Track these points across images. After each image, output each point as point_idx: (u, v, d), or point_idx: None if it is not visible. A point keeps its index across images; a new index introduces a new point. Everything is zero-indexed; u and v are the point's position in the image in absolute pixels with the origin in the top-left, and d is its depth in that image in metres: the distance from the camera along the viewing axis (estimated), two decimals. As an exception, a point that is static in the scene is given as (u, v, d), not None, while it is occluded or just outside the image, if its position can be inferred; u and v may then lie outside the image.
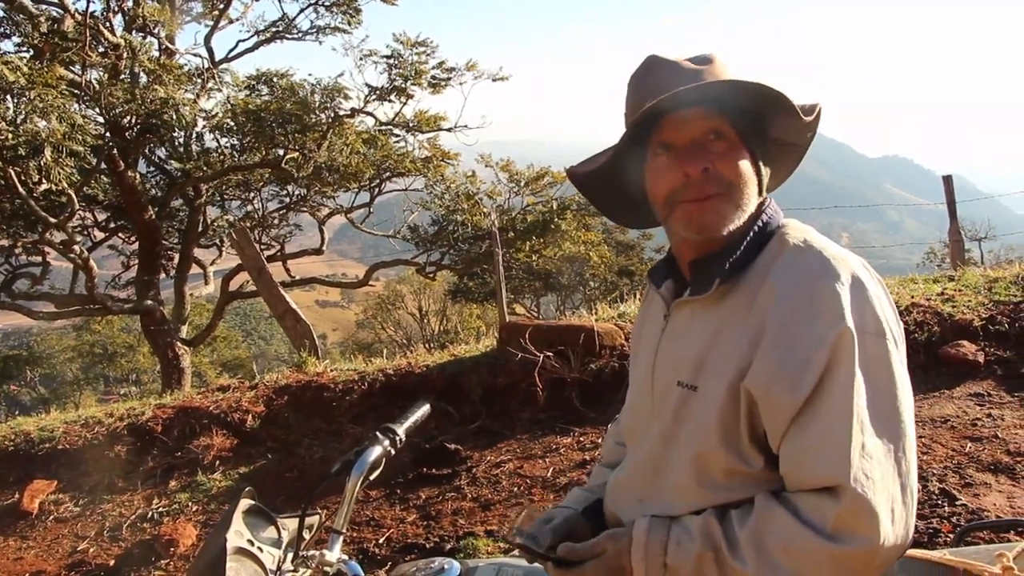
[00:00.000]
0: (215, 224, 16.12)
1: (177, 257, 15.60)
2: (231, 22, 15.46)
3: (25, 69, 9.82)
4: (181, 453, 6.81)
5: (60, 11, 12.25)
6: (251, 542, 1.58)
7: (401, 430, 1.91)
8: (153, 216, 14.02)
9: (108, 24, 12.18)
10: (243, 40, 15.76)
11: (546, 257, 17.88)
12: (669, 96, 1.39)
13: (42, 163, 9.50)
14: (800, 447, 1.31)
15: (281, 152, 14.03)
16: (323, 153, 13.91)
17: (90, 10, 11.50)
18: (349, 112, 14.81)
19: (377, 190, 16.82)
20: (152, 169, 15.44)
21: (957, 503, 3.95)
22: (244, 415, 7.10)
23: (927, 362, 5.84)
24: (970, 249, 12.88)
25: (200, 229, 15.62)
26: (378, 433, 1.85)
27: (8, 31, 12.58)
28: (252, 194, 16.67)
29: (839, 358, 1.29)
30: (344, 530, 1.70)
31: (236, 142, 15.07)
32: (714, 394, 1.40)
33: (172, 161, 14.69)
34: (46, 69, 10.03)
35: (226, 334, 28.52)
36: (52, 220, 11.33)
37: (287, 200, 16.92)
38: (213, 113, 14.44)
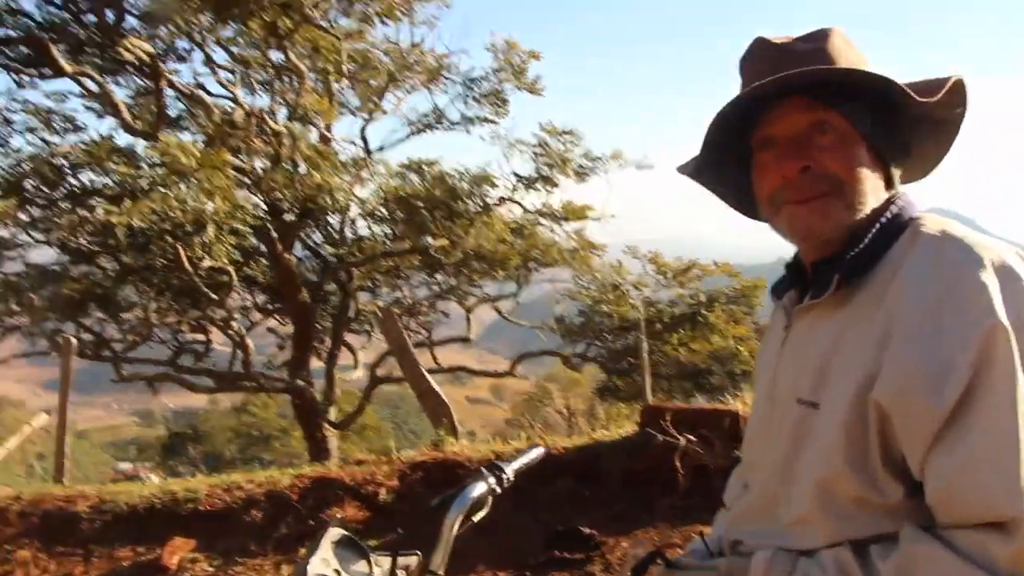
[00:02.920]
0: (365, 310, 16.62)
1: (329, 340, 16.12)
2: (385, 114, 16.23)
3: (196, 153, 10.57)
4: (314, 522, 6.84)
5: (232, 103, 13.21)
6: (337, 572, 1.45)
7: (510, 469, 1.74)
8: (307, 299, 14.57)
9: (272, 115, 13.00)
10: (396, 131, 16.49)
11: (694, 351, 17.41)
12: (750, 91, 1.25)
13: (205, 239, 10.06)
14: (950, 471, 1.05)
15: (430, 239, 14.41)
16: (470, 240, 14.19)
17: (257, 102, 12.33)
18: (497, 200, 15.12)
19: (524, 280, 16.96)
20: (308, 253, 16.13)
21: None
22: (378, 488, 7.08)
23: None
24: None
25: (351, 314, 16.13)
26: (484, 469, 1.70)
27: (187, 122, 13.70)
28: (401, 281, 17.13)
29: (992, 358, 1.04)
30: (442, 572, 1.54)
31: (388, 229, 15.61)
32: (838, 410, 1.17)
33: (327, 246, 15.35)
34: (214, 153, 10.74)
35: (377, 424, 29.09)
36: (213, 296, 11.96)
37: (436, 288, 17.30)
38: (366, 200, 15.05)
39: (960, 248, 1.15)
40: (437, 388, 9.76)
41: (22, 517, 6.71)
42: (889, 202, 1.29)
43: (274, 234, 13.40)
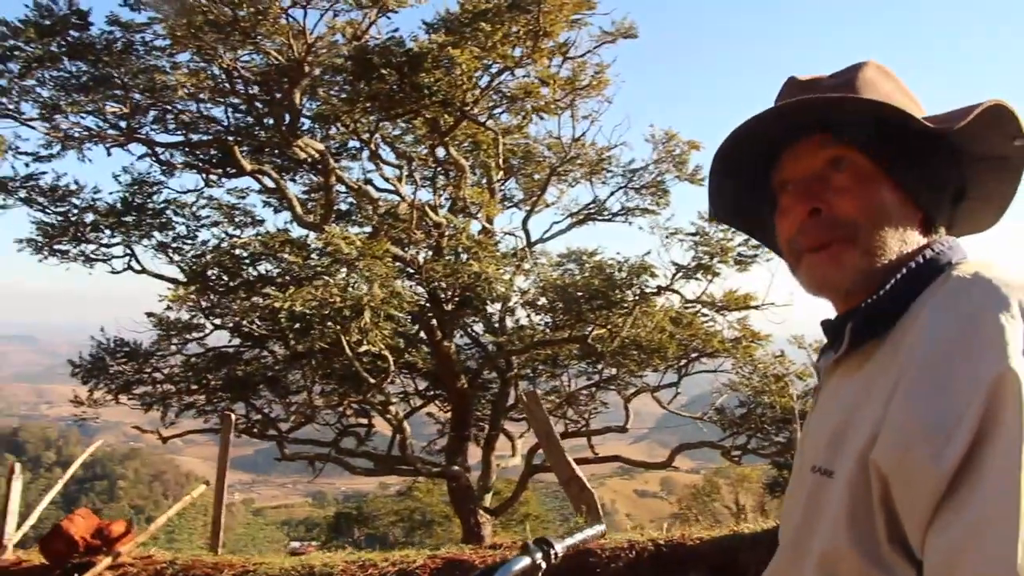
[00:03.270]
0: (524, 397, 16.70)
1: (487, 427, 16.28)
2: (547, 206, 16.59)
3: (358, 243, 11.13)
4: (441, 601, 6.83)
5: (397, 196, 13.88)
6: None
7: (560, 545, 1.66)
8: (466, 385, 14.82)
9: (435, 207, 13.55)
10: (557, 222, 16.77)
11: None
12: (743, 127, 1.16)
13: (362, 325, 10.48)
14: (951, 544, 0.88)
15: (589, 328, 14.40)
16: (628, 329, 14.07)
17: (419, 196, 12.91)
18: (655, 290, 14.98)
19: (684, 370, 16.60)
20: (469, 342, 16.47)
21: None
22: (509, 572, 7.03)
23: None
24: None
25: (510, 402, 16.25)
26: (531, 544, 1.63)
27: (356, 215, 14.52)
28: (560, 370, 17.15)
29: (1001, 410, 0.89)
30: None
31: (548, 319, 15.75)
32: (844, 477, 1.03)
33: (487, 335, 15.64)
34: (374, 243, 11.27)
35: (539, 513, 28.90)
36: (372, 380, 12.38)
37: (595, 378, 17.21)
38: (527, 290, 15.31)
39: (986, 288, 1.00)
40: (581, 475, 9.61)
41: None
42: (925, 247, 1.15)
43: (434, 322, 13.80)
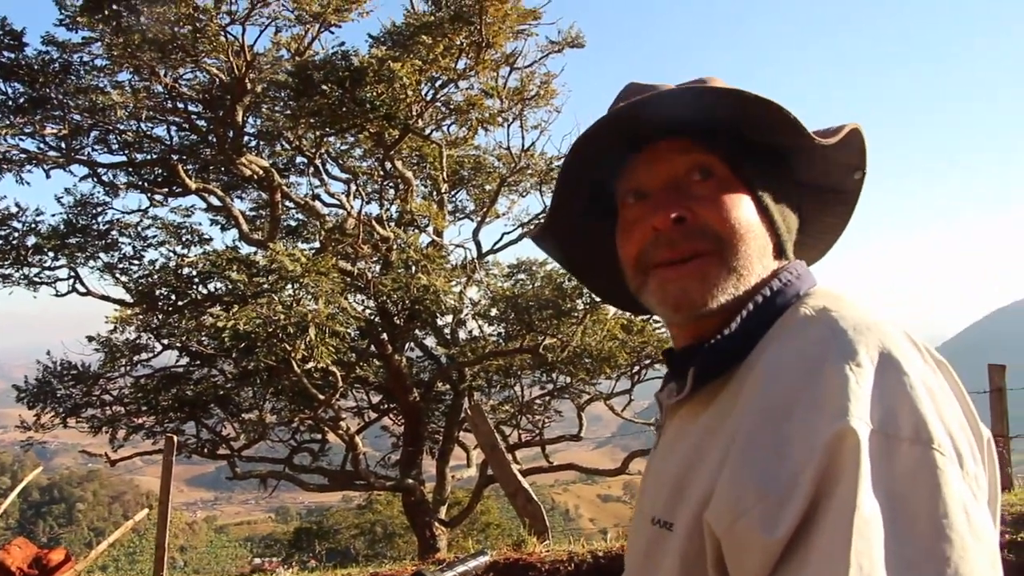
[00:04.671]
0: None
1: (441, 439, 16.27)
2: (498, 216, 16.66)
3: (303, 260, 11.10)
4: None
5: (343, 211, 13.88)
6: None
7: (448, 575, 1.71)
8: (418, 398, 14.81)
9: (381, 221, 13.55)
10: (508, 232, 16.85)
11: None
12: (607, 117, 1.05)
13: (308, 342, 10.45)
14: None
15: (540, 338, 14.46)
16: (579, 338, 14.14)
17: (367, 210, 12.91)
18: (606, 298, 15.09)
19: (637, 376, 16.72)
20: (421, 354, 16.46)
21: None
22: (445, 588, 7.06)
23: None
24: None
25: (463, 414, 16.25)
26: (423, 573, 1.68)
27: (303, 231, 14.48)
28: (513, 380, 17.19)
29: (837, 472, 0.81)
30: None
31: (501, 329, 15.79)
32: (682, 532, 0.97)
33: (439, 347, 15.65)
34: (320, 259, 11.26)
35: (499, 521, 28.88)
36: (320, 397, 12.35)
37: (550, 387, 17.27)
38: (477, 301, 15.34)
39: (830, 331, 0.93)
40: (527, 487, 9.67)
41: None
42: (775, 274, 1.08)
43: (384, 336, 13.78)
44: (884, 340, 0.90)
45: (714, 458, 0.94)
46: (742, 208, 1.05)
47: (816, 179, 1.14)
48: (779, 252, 1.10)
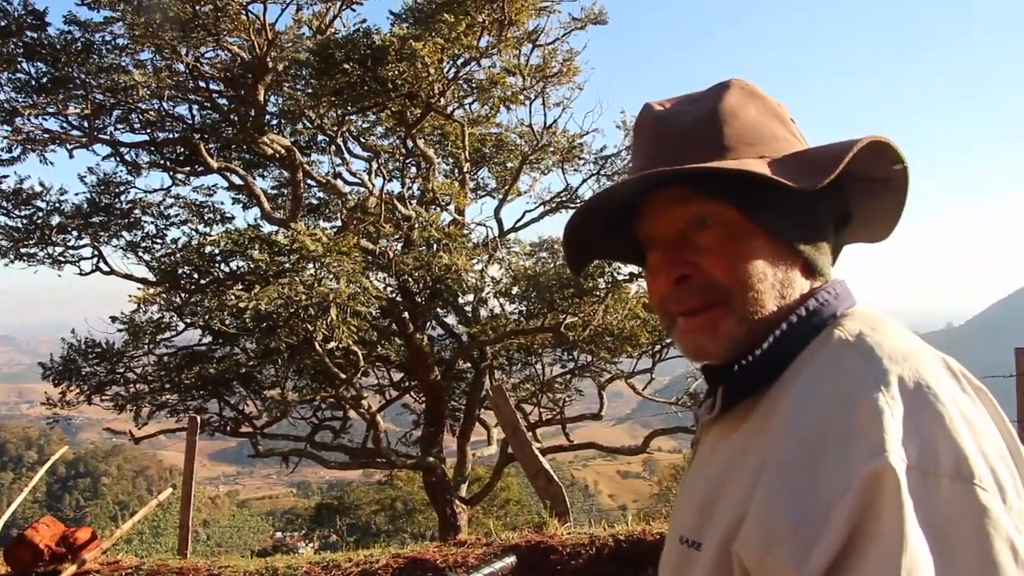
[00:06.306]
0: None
1: (462, 417, 16.32)
2: (520, 194, 16.58)
3: (324, 239, 11.11)
4: (402, 602, 6.85)
5: (365, 190, 13.86)
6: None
7: None
8: (439, 377, 14.84)
9: (403, 199, 13.53)
10: (530, 210, 16.78)
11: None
12: (585, 206, 1.10)
13: (329, 322, 10.47)
14: None
15: (562, 317, 14.43)
16: (599, 317, 14.10)
17: (388, 188, 12.87)
18: (628, 277, 15.02)
19: (658, 355, 16.67)
20: (442, 333, 16.48)
21: None
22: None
23: None
24: None
25: (484, 392, 16.27)
26: (449, 573, 1.66)
27: (324, 209, 14.49)
28: (534, 358, 17.19)
29: (877, 509, 0.79)
30: None
31: (522, 308, 15.77)
32: (710, 554, 0.96)
33: (460, 325, 15.66)
34: (341, 239, 11.25)
35: (519, 498, 29.02)
36: (342, 376, 12.38)
37: (571, 365, 17.27)
38: (499, 280, 15.33)
39: (865, 358, 0.92)
40: (548, 467, 9.67)
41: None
42: (809, 295, 1.06)
43: (406, 315, 13.80)
44: (920, 370, 0.89)
45: (744, 481, 0.94)
46: (750, 253, 1.03)
47: (854, 171, 1.05)
48: (810, 272, 1.08)
